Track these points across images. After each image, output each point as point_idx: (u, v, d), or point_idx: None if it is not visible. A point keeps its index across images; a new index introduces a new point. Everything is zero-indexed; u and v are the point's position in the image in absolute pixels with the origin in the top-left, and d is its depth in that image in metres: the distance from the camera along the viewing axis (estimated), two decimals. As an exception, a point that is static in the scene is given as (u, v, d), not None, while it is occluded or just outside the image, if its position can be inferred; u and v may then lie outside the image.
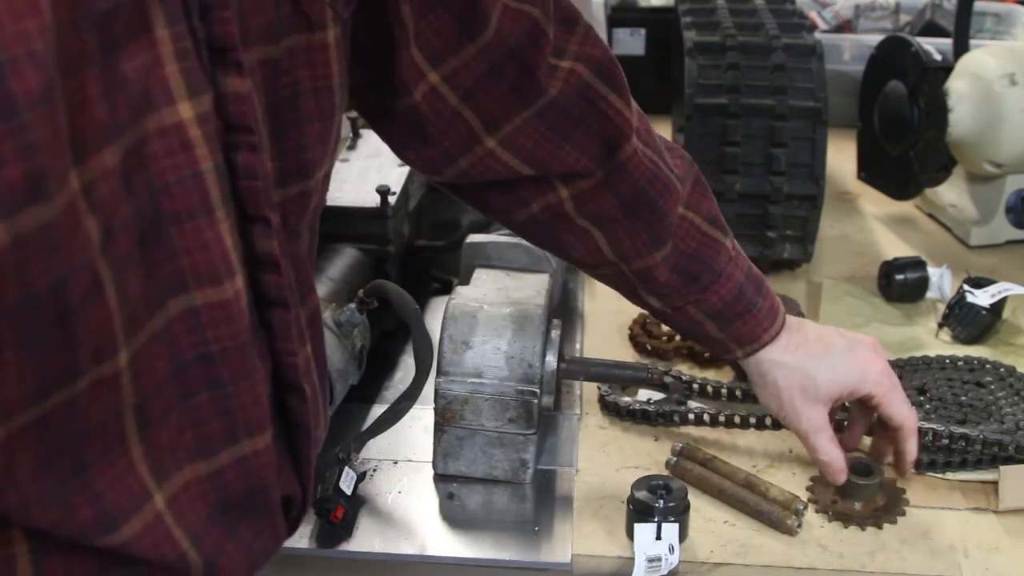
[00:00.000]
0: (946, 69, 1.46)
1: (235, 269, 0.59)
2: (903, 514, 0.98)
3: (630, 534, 0.95)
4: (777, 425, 1.08)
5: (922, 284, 1.33)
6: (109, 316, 0.52)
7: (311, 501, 0.73)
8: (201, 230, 0.57)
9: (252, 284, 0.62)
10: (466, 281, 1.12)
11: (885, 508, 0.99)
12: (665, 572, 0.92)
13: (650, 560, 0.92)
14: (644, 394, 1.15)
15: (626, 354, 1.24)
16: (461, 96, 0.84)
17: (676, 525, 0.93)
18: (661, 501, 0.93)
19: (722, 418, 1.09)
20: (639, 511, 0.94)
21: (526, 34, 0.83)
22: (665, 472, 1.03)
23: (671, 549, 0.92)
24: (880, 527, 0.97)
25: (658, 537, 0.92)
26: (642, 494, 0.95)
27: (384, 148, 0.96)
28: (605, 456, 1.08)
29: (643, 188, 0.90)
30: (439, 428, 1.02)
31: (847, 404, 1.04)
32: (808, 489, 1.02)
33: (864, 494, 0.99)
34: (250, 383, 0.62)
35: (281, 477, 0.68)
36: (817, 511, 0.99)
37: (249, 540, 0.66)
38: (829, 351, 0.98)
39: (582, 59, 0.86)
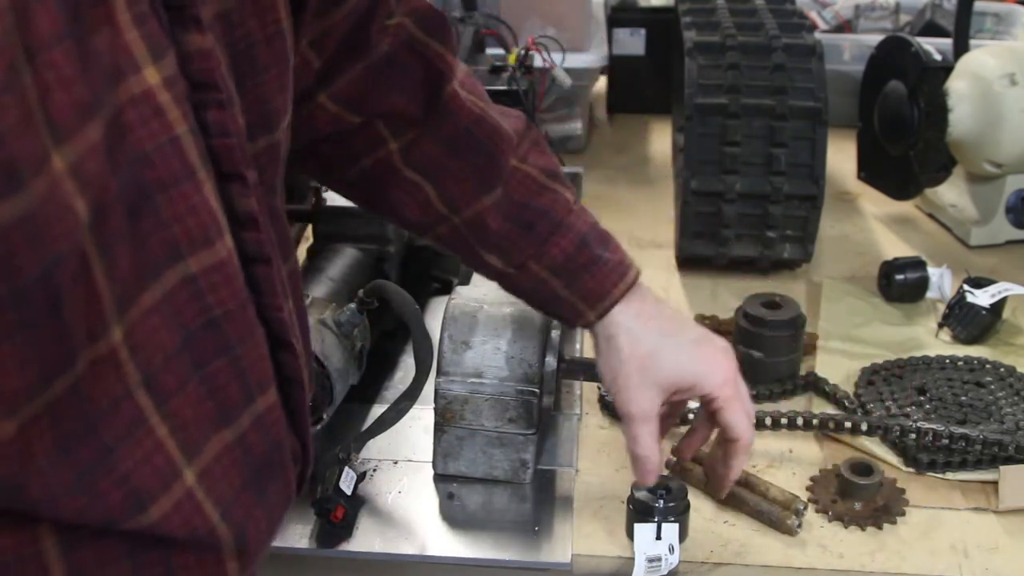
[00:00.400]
0: (946, 69, 1.46)
1: (223, 228, 0.59)
2: (903, 514, 0.98)
3: (630, 534, 0.95)
4: (776, 425, 1.08)
5: (922, 284, 1.34)
6: (97, 295, 0.52)
7: (311, 457, 0.73)
8: (187, 195, 0.57)
9: (234, 243, 0.62)
10: (466, 281, 1.12)
11: (885, 508, 0.99)
12: (665, 572, 0.92)
13: (650, 560, 0.92)
14: (644, 394, 1.14)
15: (626, 354, 1.24)
16: (320, 63, 0.86)
17: (676, 525, 0.93)
18: (661, 501, 0.94)
19: (722, 418, 1.09)
20: (639, 511, 0.94)
21: (369, 1, 0.86)
22: (665, 472, 1.03)
23: (671, 549, 0.92)
24: (880, 527, 0.97)
25: (658, 537, 0.92)
26: (642, 494, 0.95)
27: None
28: (605, 456, 1.08)
29: (468, 130, 0.91)
30: (439, 428, 1.02)
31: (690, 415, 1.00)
32: (808, 489, 1.02)
33: (864, 494, 0.99)
34: (255, 340, 0.63)
35: None
36: (817, 511, 0.99)
37: (273, 503, 0.66)
38: (681, 333, 0.92)
39: (407, 14, 0.89)
